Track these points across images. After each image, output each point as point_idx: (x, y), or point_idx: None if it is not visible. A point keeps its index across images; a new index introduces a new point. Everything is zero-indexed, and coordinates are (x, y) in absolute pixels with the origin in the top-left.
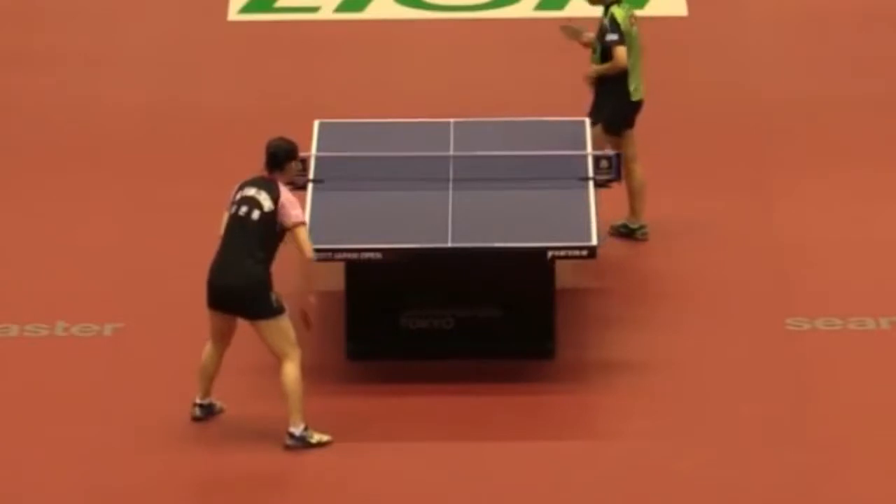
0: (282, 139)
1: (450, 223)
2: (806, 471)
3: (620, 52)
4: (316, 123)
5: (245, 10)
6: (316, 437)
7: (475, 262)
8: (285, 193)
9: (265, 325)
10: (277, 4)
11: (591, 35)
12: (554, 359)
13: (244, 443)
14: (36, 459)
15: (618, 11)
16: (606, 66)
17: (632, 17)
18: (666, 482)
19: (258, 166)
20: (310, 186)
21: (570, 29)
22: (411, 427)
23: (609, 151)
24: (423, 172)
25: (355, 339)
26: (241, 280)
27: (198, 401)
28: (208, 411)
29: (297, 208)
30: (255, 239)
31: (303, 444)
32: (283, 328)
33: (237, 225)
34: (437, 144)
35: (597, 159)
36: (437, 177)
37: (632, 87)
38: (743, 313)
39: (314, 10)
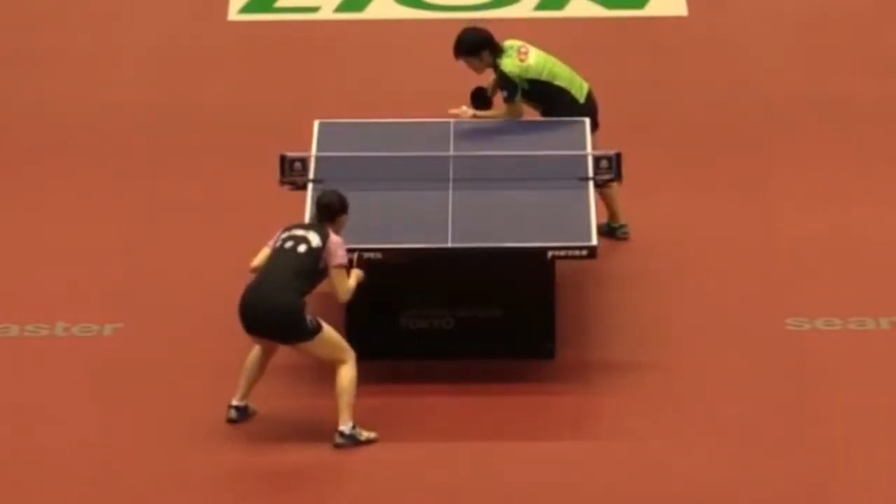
0: (334, 192)
1: (450, 223)
2: (806, 471)
3: (512, 110)
4: (316, 123)
5: (245, 10)
6: (364, 435)
7: (475, 262)
8: (334, 236)
9: (308, 345)
10: (277, 4)
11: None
12: (554, 359)
13: (242, 442)
14: (35, 459)
15: (505, 62)
16: (497, 112)
17: (521, 53)
18: (666, 482)
19: (257, 166)
20: (310, 186)
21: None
22: (411, 427)
23: (609, 151)
24: (423, 172)
25: (355, 339)
26: (274, 312)
27: (235, 402)
28: (244, 414)
29: (343, 250)
30: (296, 270)
31: (352, 441)
32: (328, 340)
33: (280, 256)
34: (437, 144)
35: (597, 159)
36: (437, 177)
37: (575, 94)
38: (743, 313)
39: (314, 10)
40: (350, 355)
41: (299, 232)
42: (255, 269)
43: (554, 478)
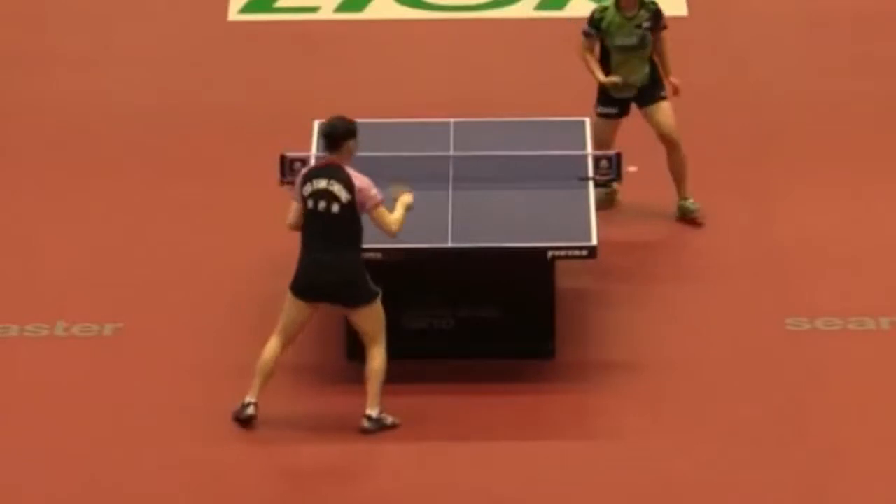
0: (337, 118)
1: (450, 223)
2: (806, 471)
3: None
4: (316, 123)
5: (245, 10)
6: (390, 420)
7: (475, 262)
8: (357, 178)
9: (365, 310)
10: (277, 4)
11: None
12: (554, 359)
13: (242, 443)
14: (35, 459)
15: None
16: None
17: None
18: (666, 482)
19: (258, 166)
20: None
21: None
22: (411, 427)
23: (609, 151)
24: (423, 172)
25: (355, 340)
26: (340, 275)
27: (252, 399)
28: (254, 412)
29: (372, 189)
30: (340, 231)
31: (379, 426)
32: (380, 312)
33: (319, 221)
34: (437, 144)
35: (597, 159)
36: (437, 177)
37: None
38: (743, 313)
39: (314, 10)
40: (385, 339)
41: (322, 184)
42: (292, 227)
43: (554, 478)
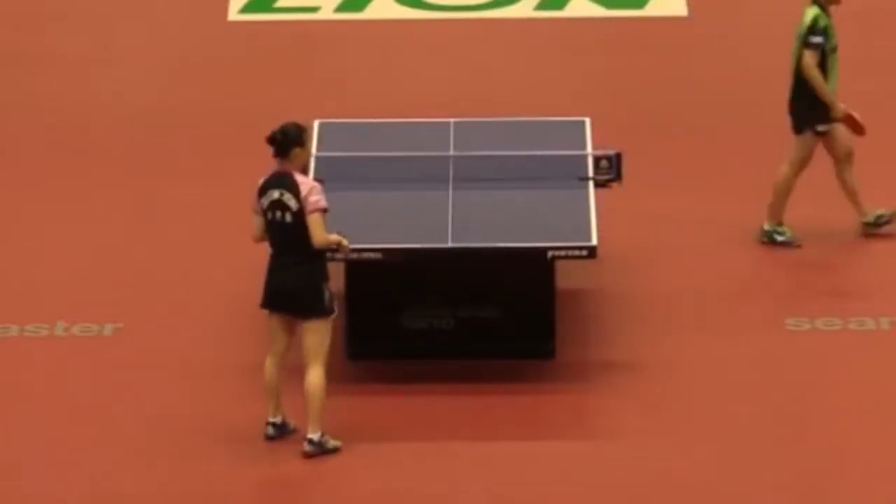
0: (288, 124)
1: (450, 223)
2: (805, 471)
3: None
4: (316, 123)
5: (245, 10)
6: (332, 443)
7: (475, 262)
8: (304, 184)
9: (315, 323)
10: (277, 4)
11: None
12: (554, 359)
13: (243, 443)
14: (35, 460)
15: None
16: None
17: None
18: (666, 482)
19: (258, 166)
20: None
21: None
22: (411, 427)
23: (609, 151)
24: (423, 172)
25: (355, 340)
26: (298, 283)
27: (269, 419)
28: (282, 430)
29: (315, 195)
30: (296, 240)
31: (320, 449)
32: (328, 331)
33: (276, 230)
34: (437, 144)
35: (597, 159)
36: (437, 177)
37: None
38: (743, 313)
39: (314, 10)
40: (326, 360)
41: (275, 195)
42: (256, 239)
43: (554, 478)
